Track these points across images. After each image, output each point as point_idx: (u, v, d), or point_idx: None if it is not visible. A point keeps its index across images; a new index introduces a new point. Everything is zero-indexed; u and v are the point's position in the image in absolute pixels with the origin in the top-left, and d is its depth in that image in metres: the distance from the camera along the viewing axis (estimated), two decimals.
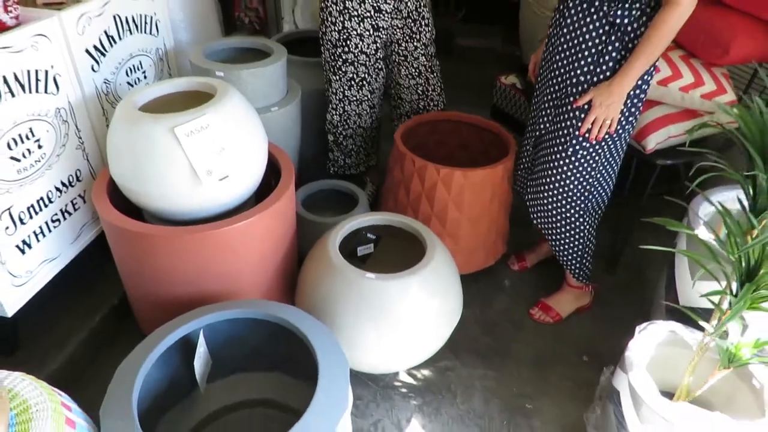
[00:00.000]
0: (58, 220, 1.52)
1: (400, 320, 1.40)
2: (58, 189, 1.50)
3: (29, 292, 1.48)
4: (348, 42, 1.87)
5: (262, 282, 1.52)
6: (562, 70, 1.51)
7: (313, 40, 2.44)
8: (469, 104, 3.14)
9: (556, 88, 1.55)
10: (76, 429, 1.02)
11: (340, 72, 1.94)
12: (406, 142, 1.89)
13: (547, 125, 1.61)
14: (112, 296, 1.71)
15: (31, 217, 1.43)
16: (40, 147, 1.41)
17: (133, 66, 1.72)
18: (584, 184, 1.60)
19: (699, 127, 1.28)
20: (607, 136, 1.51)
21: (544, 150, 1.64)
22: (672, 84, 1.70)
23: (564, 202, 1.63)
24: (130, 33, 1.67)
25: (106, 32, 1.57)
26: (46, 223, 1.48)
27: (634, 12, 1.37)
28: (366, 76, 1.96)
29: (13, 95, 1.31)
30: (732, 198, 1.46)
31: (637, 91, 1.46)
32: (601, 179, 1.64)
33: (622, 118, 1.49)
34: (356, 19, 1.83)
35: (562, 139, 1.55)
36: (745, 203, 1.17)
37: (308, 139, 2.21)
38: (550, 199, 1.65)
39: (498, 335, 1.81)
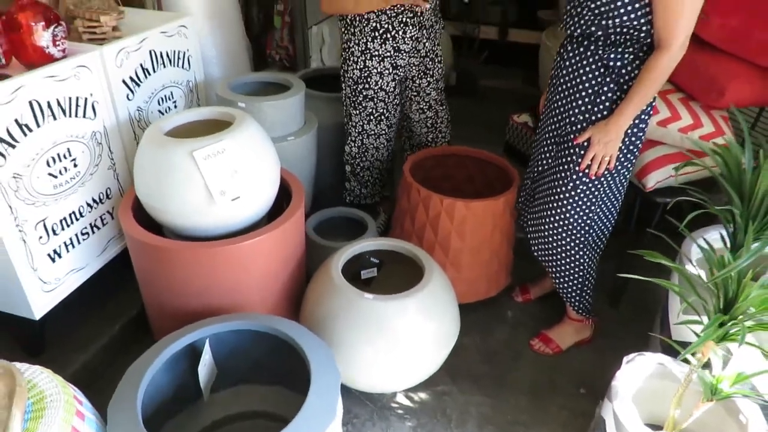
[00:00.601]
0: (87, 233, 1.66)
1: (396, 340, 1.47)
2: (89, 204, 1.64)
3: (56, 298, 1.60)
4: (368, 79, 1.99)
5: (269, 298, 1.61)
6: (561, 109, 1.60)
7: (334, 77, 2.60)
8: (488, 141, 3.24)
9: (556, 126, 1.63)
10: (85, 421, 1.11)
11: (360, 107, 2.06)
12: (415, 175, 1.98)
13: (549, 161, 1.69)
14: (132, 307, 1.82)
15: (63, 229, 1.56)
16: (75, 166, 1.56)
17: (165, 96, 1.87)
18: (584, 218, 1.65)
19: (682, 165, 1.34)
20: (606, 173, 1.57)
21: (545, 185, 1.71)
22: (671, 125, 1.76)
23: (564, 235, 1.69)
24: (164, 66, 1.83)
25: (141, 65, 1.73)
26: (76, 235, 1.62)
27: (627, 56, 1.46)
28: (384, 111, 2.08)
29: (54, 118, 1.46)
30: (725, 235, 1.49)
31: (635, 130, 1.53)
32: (601, 214, 1.70)
33: (621, 156, 1.55)
34: (377, 58, 1.95)
35: (563, 174, 1.62)
36: (727, 239, 1.21)
37: (325, 169, 2.33)
38: (550, 233, 1.71)
39: (497, 364, 1.85)
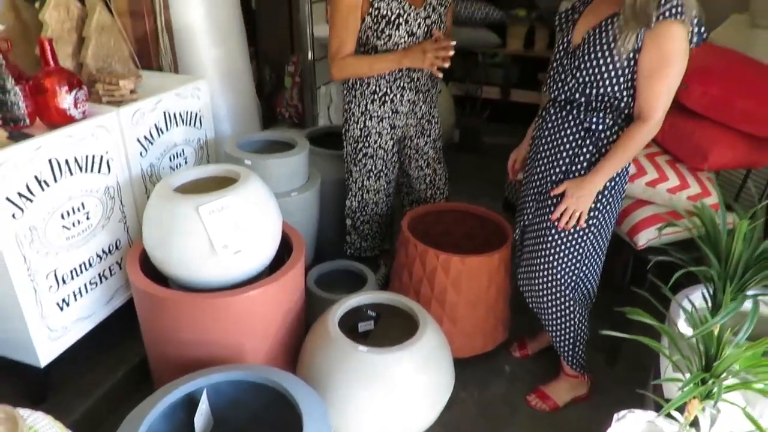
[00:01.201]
0: (96, 283, 1.73)
1: (390, 392, 1.49)
2: (99, 255, 1.71)
3: (62, 346, 1.66)
4: (368, 138, 2.10)
5: (268, 348, 1.65)
6: (543, 168, 1.68)
7: (339, 135, 2.72)
8: (490, 196, 3.32)
9: (538, 183, 1.70)
10: None
11: (360, 164, 2.15)
12: (415, 230, 2.05)
13: (531, 217, 1.75)
14: (134, 356, 1.87)
15: (72, 278, 1.63)
16: (88, 218, 1.64)
17: (177, 153, 1.98)
18: (570, 274, 1.70)
19: (664, 226, 1.39)
20: (588, 229, 1.63)
21: (529, 240, 1.77)
22: (660, 186, 1.83)
23: (554, 290, 1.73)
24: (176, 126, 1.95)
25: (156, 125, 1.85)
26: (85, 285, 1.69)
27: (608, 121, 1.54)
28: (383, 168, 2.17)
29: (71, 174, 1.56)
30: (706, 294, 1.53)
31: (613, 183, 1.60)
32: (587, 270, 1.74)
33: (600, 213, 1.62)
34: (376, 119, 2.06)
35: (545, 231, 1.68)
36: (708, 299, 1.25)
37: (328, 223, 2.41)
38: (539, 287, 1.76)
39: (493, 418, 1.85)
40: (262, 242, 1.58)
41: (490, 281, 1.90)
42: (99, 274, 1.73)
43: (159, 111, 1.85)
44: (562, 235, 1.64)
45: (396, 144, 2.16)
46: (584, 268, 1.71)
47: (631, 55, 1.42)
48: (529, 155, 1.78)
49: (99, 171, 1.65)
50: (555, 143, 1.62)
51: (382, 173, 2.17)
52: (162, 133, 1.89)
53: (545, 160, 1.66)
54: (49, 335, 1.60)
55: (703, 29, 1.41)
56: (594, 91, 1.50)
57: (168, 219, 1.50)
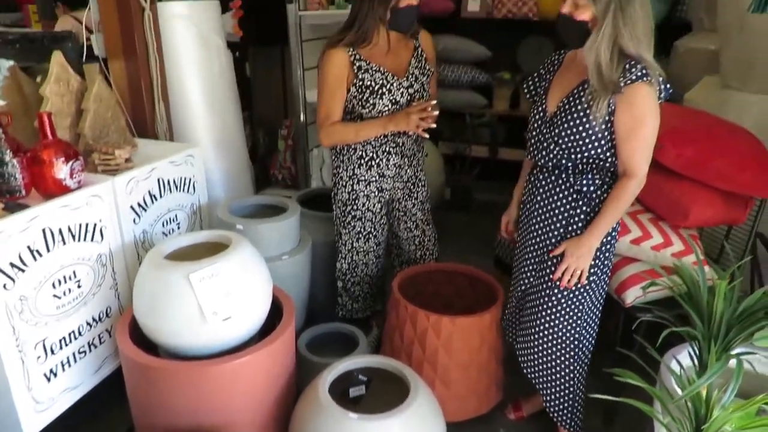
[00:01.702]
0: (85, 351, 1.72)
1: None
2: (89, 323, 1.71)
3: (48, 418, 1.63)
4: (356, 202, 2.14)
5: (258, 416, 1.62)
6: (539, 232, 1.71)
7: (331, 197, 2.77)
8: (481, 253, 3.34)
9: (536, 247, 1.73)
10: None
11: (350, 226, 2.19)
12: (406, 291, 2.06)
13: (531, 280, 1.77)
14: (121, 425, 1.83)
15: (61, 348, 1.63)
16: (79, 287, 1.65)
17: (170, 219, 2.01)
18: (573, 332, 1.71)
19: (648, 285, 1.42)
20: (588, 286, 1.65)
21: (530, 303, 1.78)
22: (644, 243, 1.86)
23: (555, 350, 1.73)
24: (170, 192, 1.99)
25: (149, 192, 1.89)
26: (74, 354, 1.68)
27: (596, 181, 1.59)
28: (372, 230, 2.20)
29: (64, 243, 1.58)
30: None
31: (606, 246, 1.64)
32: (587, 327, 1.75)
33: (597, 269, 1.65)
34: (364, 182, 2.11)
35: (548, 292, 1.70)
36: (695, 359, 1.26)
37: (320, 284, 2.41)
38: (541, 349, 1.75)
39: None
40: (252, 309, 1.59)
41: (482, 341, 1.89)
42: (88, 343, 1.72)
43: (153, 178, 1.90)
44: (565, 294, 1.66)
45: (384, 206, 2.20)
46: (584, 324, 1.72)
47: (607, 118, 1.49)
48: (521, 219, 1.81)
49: (92, 239, 1.68)
50: (548, 207, 1.67)
51: (371, 235, 2.21)
52: (156, 199, 1.92)
53: (541, 224, 1.70)
54: (35, 407, 1.58)
55: (668, 86, 1.49)
56: (578, 155, 1.56)
57: (159, 287, 1.51)
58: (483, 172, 4.18)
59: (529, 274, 1.79)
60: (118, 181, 1.76)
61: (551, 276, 1.68)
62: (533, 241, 1.75)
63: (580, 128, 1.53)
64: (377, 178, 2.11)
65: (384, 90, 1.94)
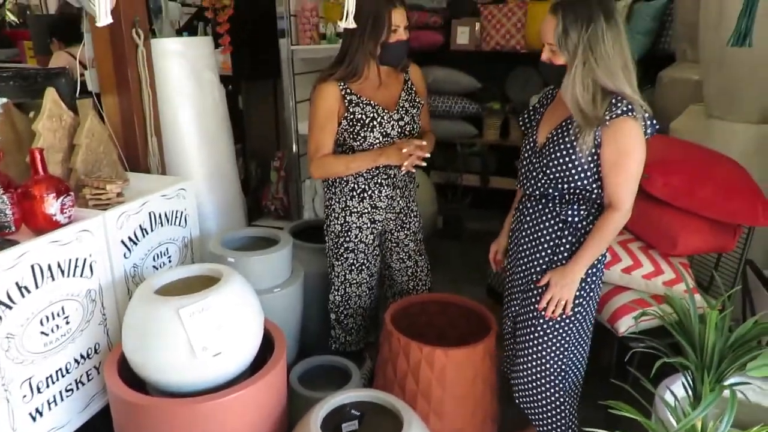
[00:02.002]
0: (72, 389, 1.68)
1: None
2: (77, 360, 1.68)
3: None
4: (349, 233, 2.15)
5: None
6: (525, 260, 1.72)
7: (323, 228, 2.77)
8: (473, 282, 3.34)
9: (523, 275, 1.74)
10: None
11: (342, 258, 2.19)
12: (399, 322, 2.04)
13: (518, 309, 1.77)
14: None
15: (48, 386, 1.59)
16: (67, 323, 1.63)
17: (161, 252, 2.00)
18: (559, 363, 1.70)
19: (640, 315, 1.42)
20: (575, 317, 1.65)
21: (519, 332, 1.78)
22: (635, 272, 1.87)
23: (543, 381, 1.72)
24: (161, 225, 1.98)
25: (140, 226, 1.88)
26: (61, 392, 1.64)
27: (582, 212, 1.61)
28: (365, 261, 2.20)
29: (53, 279, 1.57)
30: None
31: (591, 276, 1.65)
32: (574, 359, 1.74)
33: (582, 299, 1.65)
34: (356, 214, 2.12)
35: (533, 321, 1.70)
36: (688, 389, 1.25)
37: (313, 317, 2.40)
38: (529, 379, 1.74)
39: None
40: (243, 344, 1.57)
41: (476, 373, 1.87)
42: (76, 380, 1.69)
43: (144, 212, 1.89)
44: (550, 323, 1.66)
45: (377, 237, 2.21)
46: (571, 356, 1.71)
47: (593, 150, 1.52)
48: (510, 247, 1.83)
49: (81, 274, 1.66)
50: (535, 236, 1.68)
51: (363, 266, 2.21)
52: (147, 233, 1.92)
53: (527, 253, 1.71)
54: None
55: (655, 122, 1.52)
56: (565, 185, 1.58)
57: (148, 322, 1.49)
58: (474, 200, 4.21)
59: (516, 303, 1.79)
60: (109, 215, 1.75)
61: (537, 306, 1.68)
62: (520, 269, 1.76)
63: (567, 159, 1.55)
64: (369, 209, 2.12)
65: (375, 123, 1.97)
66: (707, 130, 2.47)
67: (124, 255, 1.83)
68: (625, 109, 1.46)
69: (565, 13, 1.45)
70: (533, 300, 1.69)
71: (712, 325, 1.18)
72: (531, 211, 1.70)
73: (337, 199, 2.13)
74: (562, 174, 1.57)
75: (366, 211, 2.11)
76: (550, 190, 1.62)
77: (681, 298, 1.29)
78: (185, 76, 2.37)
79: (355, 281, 2.22)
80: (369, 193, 2.08)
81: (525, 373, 1.74)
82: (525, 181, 1.69)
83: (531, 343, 1.70)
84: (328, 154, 2.00)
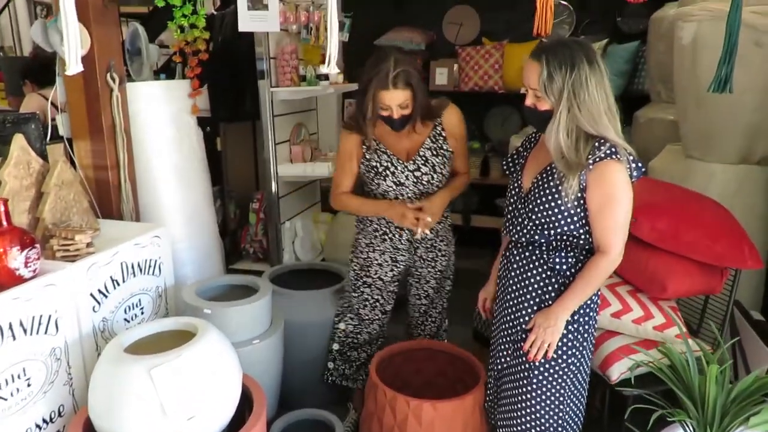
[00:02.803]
0: None
1: None
2: (38, 425, 1.56)
3: None
4: (369, 269, 2.18)
5: None
6: (513, 308, 1.66)
7: (306, 272, 2.70)
8: (459, 323, 3.26)
9: (511, 324, 1.68)
10: None
11: (359, 291, 2.21)
12: (385, 371, 1.96)
13: (508, 359, 1.70)
14: None
15: None
16: (29, 385, 1.51)
17: (133, 304, 1.90)
18: (555, 416, 1.63)
19: (635, 366, 1.37)
20: (569, 366, 1.58)
21: (508, 383, 1.70)
22: (624, 317, 1.83)
23: None
24: (134, 275, 1.89)
25: (111, 277, 1.79)
26: None
27: (570, 259, 1.57)
28: (380, 298, 2.22)
29: (14, 338, 1.46)
30: None
31: (585, 318, 1.59)
32: (570, 411, 1.67)
33: (576, 350, 1.59)
34: (379, 251, 2.15)
35: (526, 373, 1.63)
36: None
37: (295, 367, 2.29)
38: None
39: None
40: (220, 405, 1.48)
41: (466, 426, 1.80)
42: None
43: (116, 263, 1.80)
44: (545, 374, 1.59)
45: (397, 276, 2.21)
46: (568, 409, 1.64)
47: (578, 195, 1.49)
48: (497, 294, 1.77)
49: (46, 332, 1.56)
50: (522, 284, 1.63)
51: (378, 303, 2.22)
52: (118, 284, 1.82)
53: (514, 301, 1.66)
54: None
55: (640, 164, 1.50)
56: (552, 231, 1.54)
57: (117, 383, 1.39)
58: (457, 240, 4.17)
59: (505, 352, 1.72)
60: (77, 267, 1.66)
61: (527, 357, 1.61)
62: (508, 318, 1.70)
63: (552, 204, 1.52)
64: (391, 249, 2.15)
65: (388, 172, 2.00)
66: (686, 170, 2.49)
67: (93, 309, 1.73)
68: (608, 152, 1.44)
69: (548, 59, 1.44)
70: (523, 351, 1.63)
71: (713, 380, 1.13)
72: (518, 258, 1.66)
73: (364, 235, 2.17)
74: (547, 220, 1.54)
75: (388, 250, 2.15)
76: (537, 237, 1.59)
77: (679, 353, 1.24)
78: (162, 119, 2.31)
79: (367, 317, 2.22)
80: (389, 236, 2.12)
81: (520, 428, 1.66)
82: (511, 228, 1.66)
83: (524, 396, 1.63)
84: (344, 192, 2.09)
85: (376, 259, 2.16)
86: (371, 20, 4.33)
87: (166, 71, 3.09)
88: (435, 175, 2.02)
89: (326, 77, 3.09)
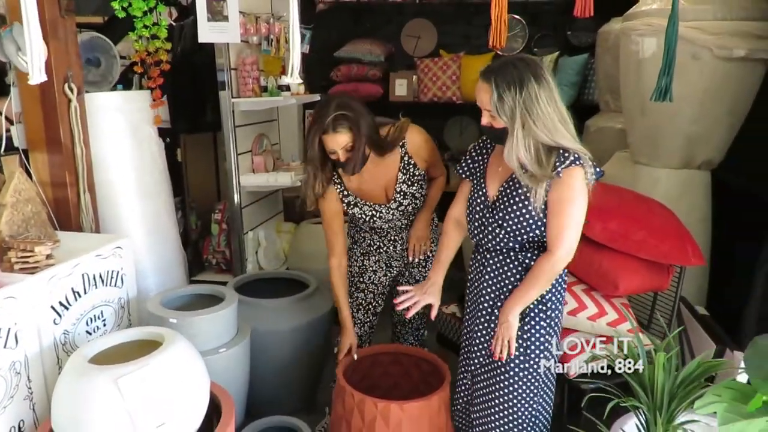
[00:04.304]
0: None
1: None
2: None
3: None
4: (363, 275, 2.25)
5: None
6: (489, 310, 1.72)
7: (270, 281, 2.70)
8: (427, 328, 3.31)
9: (486, 326, 1.73)
10: None
11: (353, 297, 2.26)
12: (352, 376, 1.99)
13: (483, 360, 1.75)
14: None
15: None
16: None
17: (94, 316, 1.87)
18: (531, 410, 1.68)
19: (591, 359, 1.45)
20: (539, 359, 1.64)
21: (484, 383, 1.75)
22: (580, 314, 1.92)
23: (515, 429, 1.69)
24: (96, 287, 1.86)
25: (72, 289, 1.76)
26: None
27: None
28: (372, 301, 2.27)
29: None
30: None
31: (554, 314, 1.65)
32: (544, 402, 1.72)
33: (546, 342, 1.65)
34: (374, 258, 2.22)
35: (501, 369, 1.68)
36: (642, 430, 1.27)
37: (262, 376, 2.29)
38: (502, 429, 1.71)
39: None
40: (189, 412, 1.48)
41: (432, 425, 1.83)
42: None
43: (77, 274, 1.78)
44: (520, 366, 1.65)
45: (390, 279, 2.27)
46: (541, 400, 1.69)
47: (545, 199, 1.55)
48: (469, 298, 1.82)
49: (5, 346, 1.52)
50: (498, 285, 1.69)
51: (370, 306, 2.28)
52: (79, 296, 1.80)
53: (491, 302, 1.71)
54: None
55: (598, 168, 1.58)
56: (524, 236, 1.61)
57: (82, 395, 1.38)
58: None
59: (481, 353, 1.76)
60: (37, 279, 1.63)
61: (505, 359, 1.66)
62: (483, 320, 1.74)
63: (523, 211, 1.58)
64: (386, 257, 2.22)
65: (375, 218, 2.09)
66: (633, 176, 2.63)
67: (54, 321, 1.70)
68: (573, 158, 1.51)
69: (497, 81, 1.50)
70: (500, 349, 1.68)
71: (660, 367, 1.22)
72: (491, 262, 1.70)
73: (358, 245, 2.24)
74: (518, 227, 1.60)
75: (383, 258, 2.22)
76: (510, 243, 1.64)
77: (631, 343, 1.33)
78: (122, 130, 2.29)
79: (359, 321, 2.26)
80: (384, 248, 2.20)
81: (497, 423, 1.70)
82: (480, 235, 1.70)
83: (501, 392, 1.67)
84: (336, 267, 2.09)
85: (371, 266, 2.24)
86: (331, 33, 4.39)
87: (123, 82, 3.06)
88: (417, 201, 2.09)
89: (287, 88, 3.12)
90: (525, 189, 1.56)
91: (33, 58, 1.11)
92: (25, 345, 1.59)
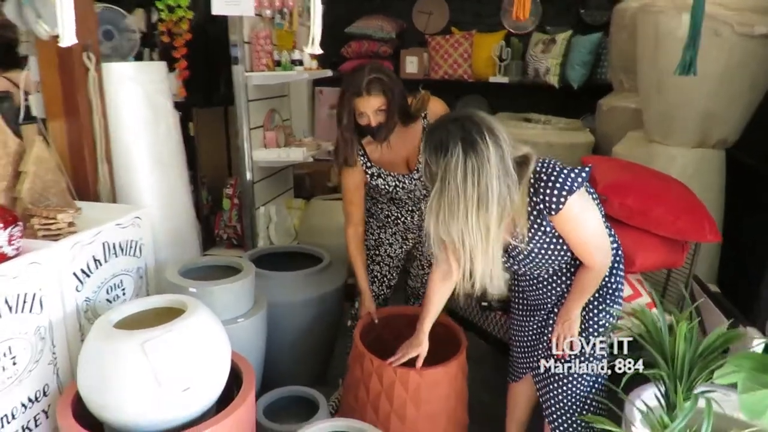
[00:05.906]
0: None
1: None
2: (23, 404, 1.55)
3: None
4: (379, 248, 2.30)
5: None
6: (545, 315, 1.77)
7: (283, 255, 2.72)
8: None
9: (545, 342, 1.76)
10: None
11: (368, 270, 2.27)
12: (365, 337, 2.02)
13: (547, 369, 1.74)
14: None
15: None
16: (14, 364, 1.50)
17: (115, 284, 1.89)
18: (593, 393, 1.72)
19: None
20: (599, 354, 1.67)
21: (552, 381, 1.76)
22: None
23: (583, 409, 1.72)
24: (116, 256, 1.88)
25: (93, 257, 1.78)
26: None
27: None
28: (387, 273, 2.33)
29: (0, 317, 1.44)
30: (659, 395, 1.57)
31: (601, 315, 1.67)
32: (601, 385, 1.74)
33: (594, 338, 1.66)
34: (390, 231, 2.27)
35: (568, 365, 1.70)
36: (661, 399, 1.30)
37: (277, 347, 2.32)
38: (571, 411, 1.74)
39: None
40: (213, 376, 1.50)
41: (450, 390, 1.87)
42: (23, 427, 1.55)
43: (98, 242, 1.79)
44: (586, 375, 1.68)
45: (405, 252, 2.31)
46: (600, 386, 1.73)
47: (553, 232, 1.52)
48: (513, 313, 1.90)
49: (30, 310, 1.55)
50: (547, 296, 1.73)
51: (385, 278, 2.33)
52: (100, 265, 1.81)
53: (546, 309, 1.76)
54: None
55: (580, 170, 1.47)
56: (548, 266, 1.64)
57: (109, 359, 1.40)
58: None
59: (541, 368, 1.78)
60: (61, 246, 1.65)
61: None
62: (540, 318, 1.79)
63: (540, 252, 1.58)
64: (402, 229, 2.25)
65: (398, 189, 2.09)
66: (648, 154, 2.62)
67: (76, 288, 1.72)
68: (565, 192, 1.42)
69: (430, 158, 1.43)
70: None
71: (682, 337, 1.23)
72: (531, 282, 1.75)
73: (375, 219, 2.26)
74: (535, 259, 1.60)
75: (399, 231, 2.25)
76: (536, 271, 1.68)
77: (651, 314, 1.34)
78: (138, 101, 2.28)
79: (374, 293, 2.29)
80: (402, 219, 2.22)
81: (566, 407, 1.74)
82: (512, 262, 1.67)
83: (571, 381, 1.72)
84: (352, 233, 2.14)
85: (387, 239, 2.28)
86: (342, 8, 4.35)
87: (135, 55, 3.04)
88: None
89: (300, 62, 3.11)
90: (529, 231, 1.52)
91: (65, 20, 1.11)
92: (49, 310, 1.62)
